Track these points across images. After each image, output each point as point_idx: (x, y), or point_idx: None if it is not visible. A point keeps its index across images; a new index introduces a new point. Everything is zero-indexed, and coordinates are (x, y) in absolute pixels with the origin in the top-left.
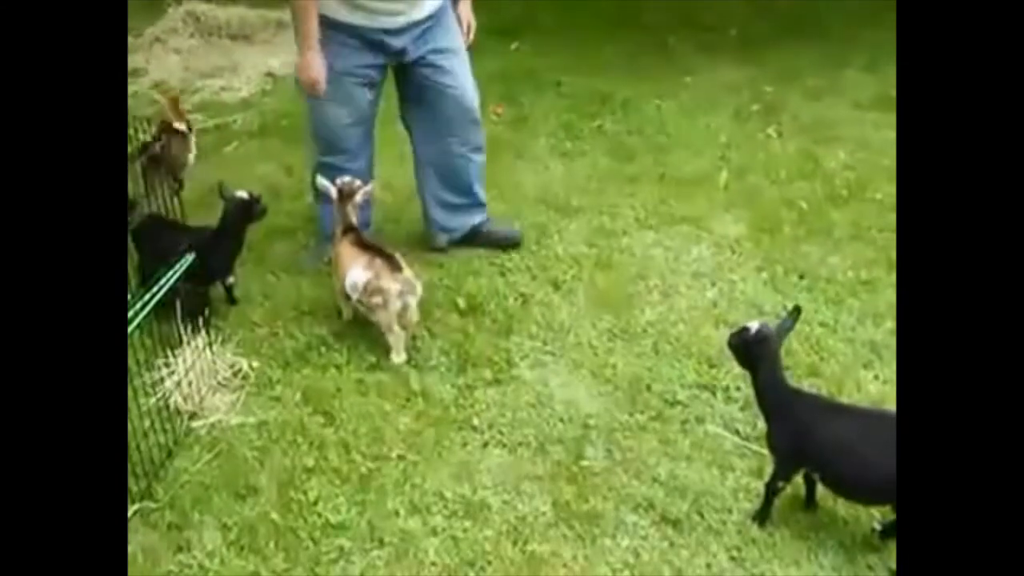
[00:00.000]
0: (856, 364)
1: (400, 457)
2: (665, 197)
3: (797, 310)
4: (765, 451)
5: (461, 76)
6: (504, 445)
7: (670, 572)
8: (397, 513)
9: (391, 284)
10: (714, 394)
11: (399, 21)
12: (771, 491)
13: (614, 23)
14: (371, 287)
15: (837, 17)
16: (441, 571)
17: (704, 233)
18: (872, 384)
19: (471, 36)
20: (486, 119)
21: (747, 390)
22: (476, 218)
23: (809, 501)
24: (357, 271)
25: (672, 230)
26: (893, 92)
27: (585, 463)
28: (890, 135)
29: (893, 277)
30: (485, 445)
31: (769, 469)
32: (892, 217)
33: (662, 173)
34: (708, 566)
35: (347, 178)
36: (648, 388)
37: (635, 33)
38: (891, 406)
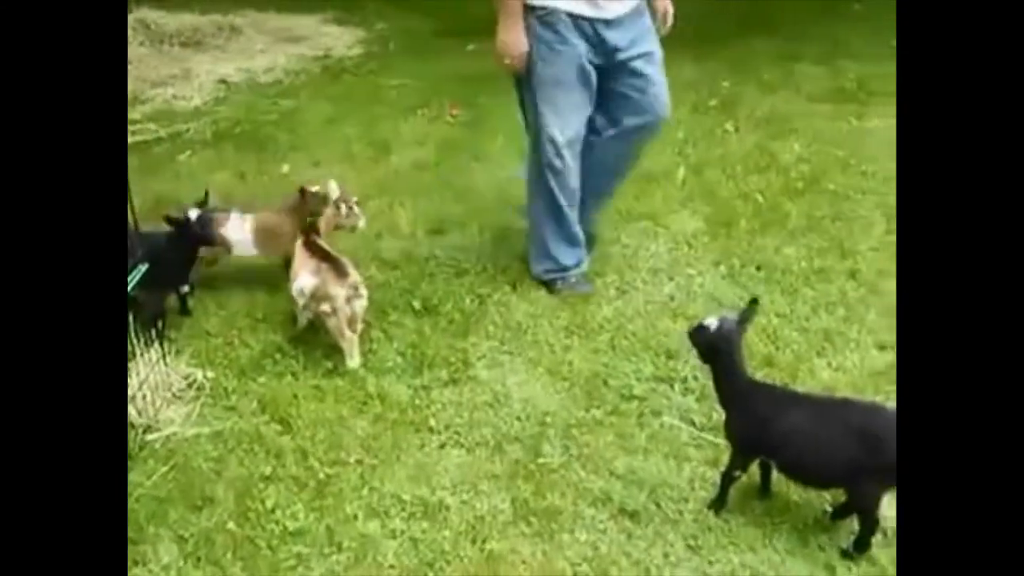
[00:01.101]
0: (810, 352)
1: (358, 461)
2: (623, 194)
3: (755, 302)
4: (721, 441)
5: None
6: (462, 445)
7: (628, 563)
8: (355, 517)
9: (338, 290)
10: (671, 386)
11: (620, 9)
12: (727, 480)
13: None
14: (318, 293)
15: (790, 12)
16: (400, 573)
17: (662, 229)
18: (825, 371)
19: (669, 24)
20: (442, 120)
21: (704, 381)
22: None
23: (764, 488)
24: (304, 277)
25: (630, 227)
26: (846, 84)
27: (543, 460)
28: (843, 126)
29: (845, 265)
30: (443, 446)
31: (725, 458)
32: (845, 206)
33: None
34: (666, 555)
35: (314, 188)
36: (605, 383)
37: None
38: (842, 392)
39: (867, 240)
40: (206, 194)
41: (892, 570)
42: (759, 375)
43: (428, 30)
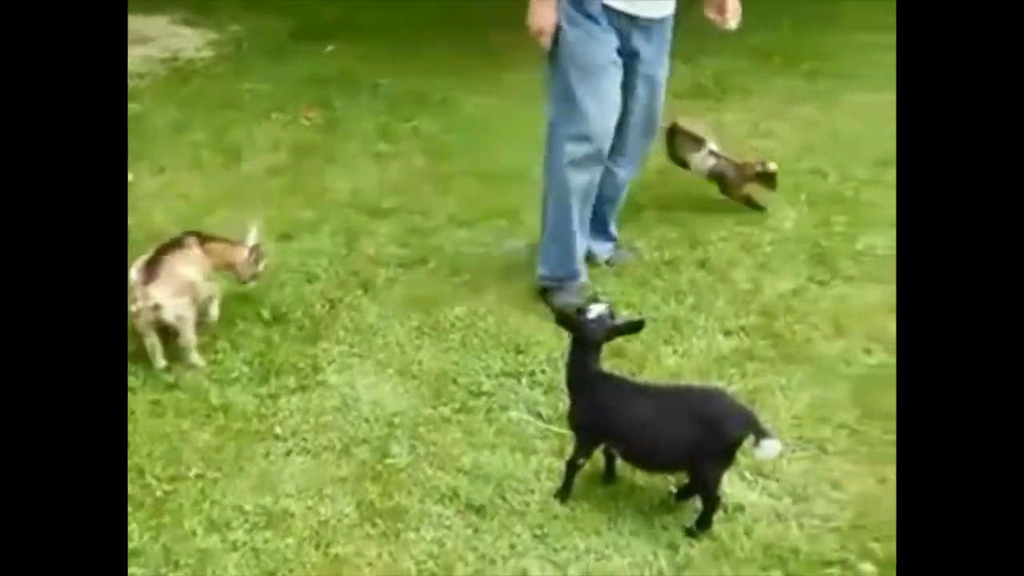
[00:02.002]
0: (657, 341)
1: (199, 476)
2: (480, 193)
3: (640, 325)
4: (567, 432)
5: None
6: (308, 451)
7: (474, 557)
8: (194, 533)
9: (145, 291)
10: (519, 380)
11: (654, 12)
12: (572, 468)
13: (438, 23)
14: (131, 292)
15: None
16: None
17: (518, 226)
18: (671, 358)
19: (736, 19)
20: (297, 125)
21: (552, 373)
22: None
23: (609, 475)
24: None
25: (486, 225)
26: (706, 82)
27: (390, 460)
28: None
29: (695, 255)
30: (288, 453)
31: (570, 448)
32: (695, 196)
33: (478, 169)
34: (512, 546)
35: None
36: (454, 381)
37: (458, 32)
38: (688, 379)
39: (717, 231)
40: None
41: (731, 544)
42: (608, 365)
43: (284, 31)
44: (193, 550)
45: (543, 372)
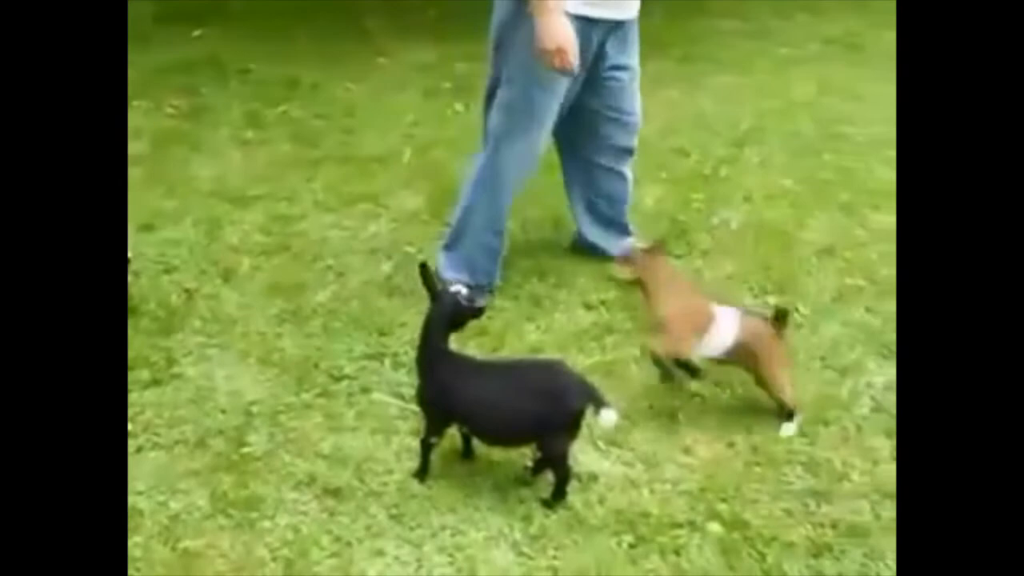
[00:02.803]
0: (520, 318)
1: None
2: (347, 178)
3: (481, 311)
4: None
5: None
6: (160, 446)
7: (329, 540)
8: None
9: None
10: (382, 363)
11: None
12: (426, 447)
13: (309, 7)
14: None
15: None
16: None
17: (382, 209)
18: (533, 334)
19: None
20: (161, 113)
21: (415, 354)
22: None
23: (466, 452)
24: None
25: (351, 210)
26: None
27: (247, 450)
28: None
29: (560, 236)
30: (139, 450)
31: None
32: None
33: (345, 155)
34: (367, 528)
35: None
36: (316, 366)
37: (331, 16)
38: (547, 353)
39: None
40: None
41: (585, 512)
42: (471, 344)
43: (148, 15)
44: None
45: (406, 353)
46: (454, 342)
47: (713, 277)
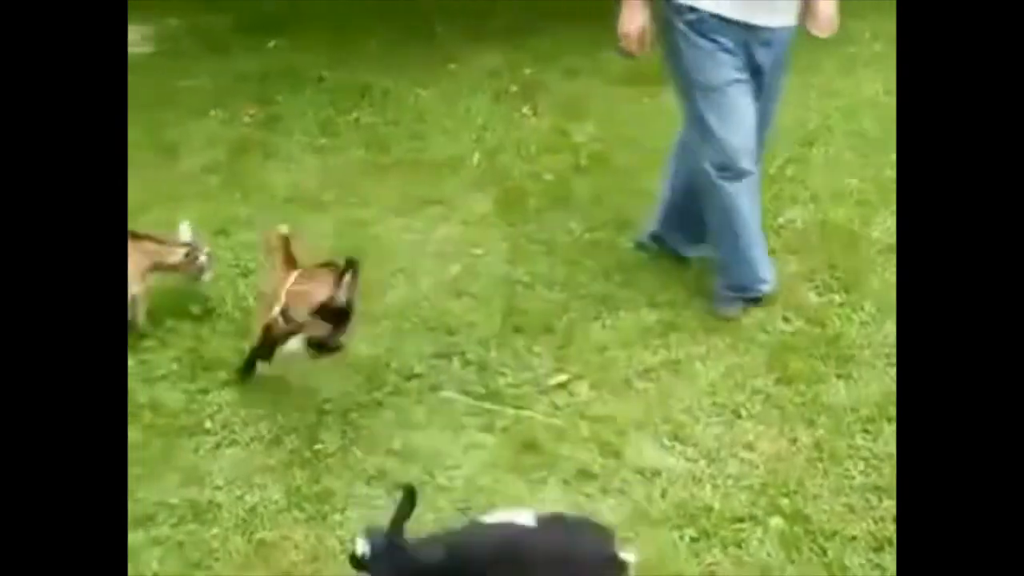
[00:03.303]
0: (586, 317)
1: None
2: (417, 182)
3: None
4: (497, 408)
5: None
6: (237, 443)
7: None
8: None
9: None
10: (450, 361)
11: (774, 20)
12: None
13: (381, 14)
14: None
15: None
16: None
17: (452, 213)
18: (599, 333)
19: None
20: (238, 122)
21: (483, 352)
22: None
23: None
24: None
25: (421, 213)
26: (644, 69)
27: (319, 446)
28: (636, 108)
29: (625, 236)
30: (217, 446)
31: (500, 423)
32: (629, 182)
33: (416, 159)
34: (436, 521)
35: None
36: (387, 366)
37: (402, 23)
38: (614, 351)
39: (647, 210)
40: None
41: (648, 506)
42: (540, 341)
43: (226, 26)
44: None
45: (474, 352)
46: (521, 342)
47: (779, 276)
